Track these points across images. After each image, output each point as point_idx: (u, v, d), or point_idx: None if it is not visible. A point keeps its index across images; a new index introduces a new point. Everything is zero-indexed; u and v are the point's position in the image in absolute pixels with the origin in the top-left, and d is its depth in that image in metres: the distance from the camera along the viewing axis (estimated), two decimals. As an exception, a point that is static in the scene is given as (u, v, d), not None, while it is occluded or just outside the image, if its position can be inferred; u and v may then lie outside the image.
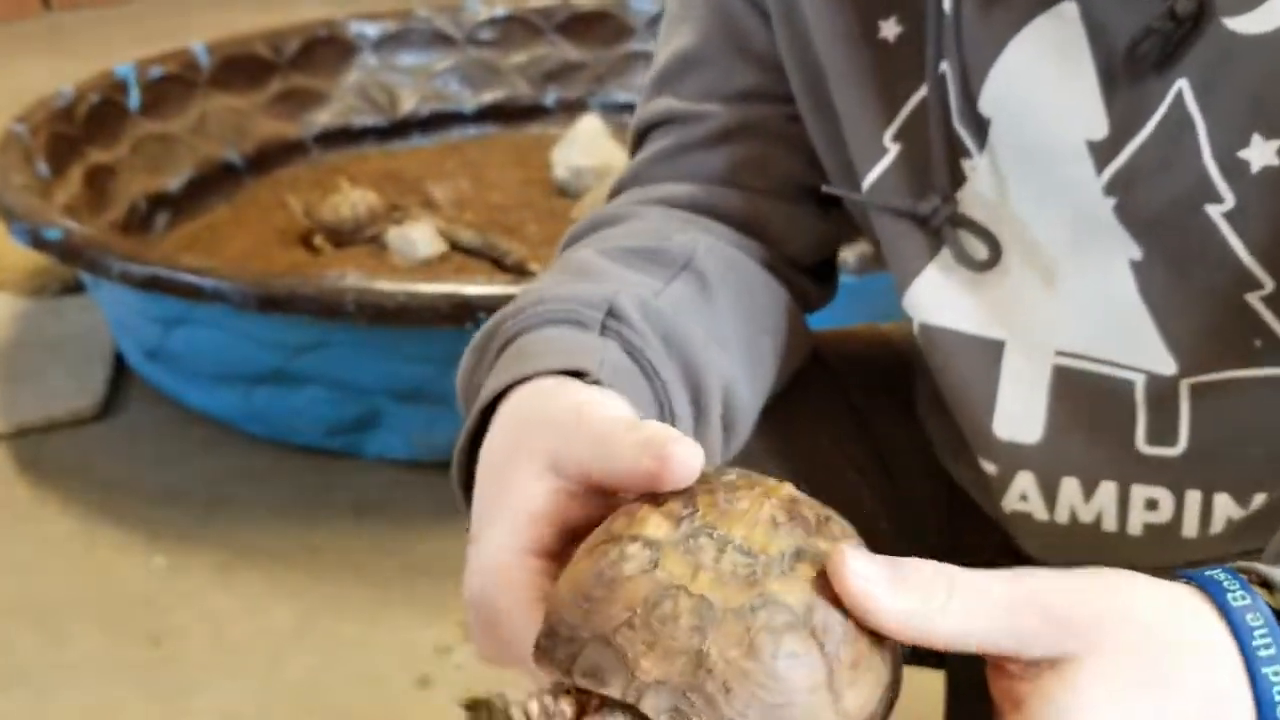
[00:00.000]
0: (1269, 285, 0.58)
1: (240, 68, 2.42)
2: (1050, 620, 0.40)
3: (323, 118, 2.52)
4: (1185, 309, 0.60)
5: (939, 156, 0.63)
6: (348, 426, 1.69)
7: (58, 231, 1.62)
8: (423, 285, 1.48)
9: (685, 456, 0.43)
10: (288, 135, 2.46)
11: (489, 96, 2.62)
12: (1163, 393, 0.61)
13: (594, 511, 0.46)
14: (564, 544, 0.47)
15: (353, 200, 2.18)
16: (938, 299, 0.66)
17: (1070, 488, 0.66)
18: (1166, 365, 0.61)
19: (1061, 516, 0.67)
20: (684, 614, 0.39)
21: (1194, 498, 0.63)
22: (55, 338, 1.97)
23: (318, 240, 2.16)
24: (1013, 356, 0.65)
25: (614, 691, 0.39)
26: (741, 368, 0.63)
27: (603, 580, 0.40)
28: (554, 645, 0.41)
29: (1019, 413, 0.65)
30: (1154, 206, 0.59)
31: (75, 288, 2.07)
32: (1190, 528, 0.64)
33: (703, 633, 0.38)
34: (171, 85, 2.29)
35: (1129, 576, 0.42)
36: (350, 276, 1.50)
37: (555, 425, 0.49)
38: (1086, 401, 0.64)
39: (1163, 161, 0.58)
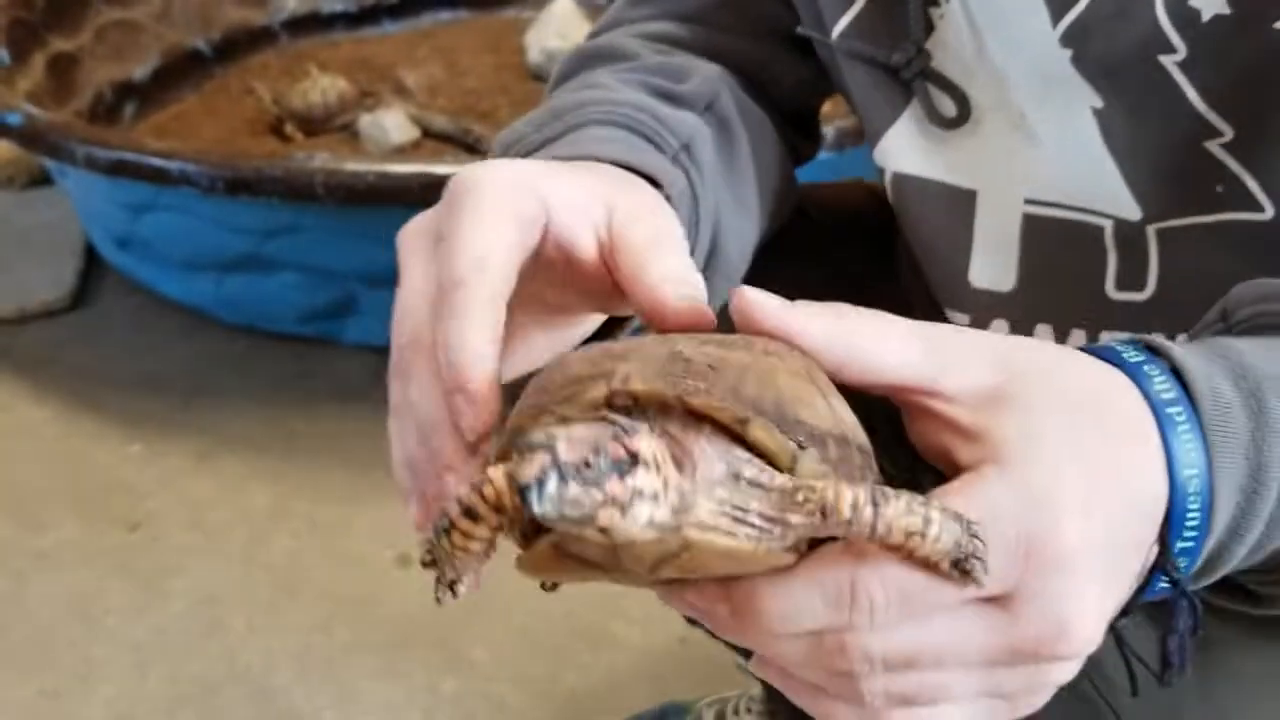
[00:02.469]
0: (1228, 133, 0.57)
1: (204, -48, 2.36)
2: (982, 357, 0.40)
3: (291, 3, 2.46)
4: (1147, 156, 0.60)
5: (915, 3, 0.62)
6: (323, 313, 1.68)
7: (19, 116, 1.59)
8: (392, 165, 1.45)
9: (699, 311, 0.42)
10: (255, 22, 2.41)
11: (460, -20, 2.57)
12: (1131, 237, 0.61)
13: (576, 281, 0.46)
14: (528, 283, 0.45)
15: (322, 87, 2.14)
16: (909, 150, 0.66)
17: (1043, 336, 0.66)
18: (1132, 211, 0.61)
19: None
20: (650, 342, 0.38)
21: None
22: (24, 229, 1.94)
23: (289, 129, 2.13)
24: (985, 206, 0.65)
25: (599, 390, 0.36)
26: (754, 231, 0.65)
27: (540, 375, 0.40)
28: (525, 418, 0.38)
29: (993, 261, 0.65)
30: (1109, 58, 0.58)
31: (43, 180, 2.04)
32: None
33: (672, 343, 0.37)
34: (134, -30, 2.24)
35: (1049, 343, 0.43)
36: (319, 157, 1.47)
37: (624, 194, 0.48)
38: (1058, 248, 0.63)
39: (1116, 11, 0.57)
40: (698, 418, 0.36)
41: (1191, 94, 0.57)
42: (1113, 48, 0.58)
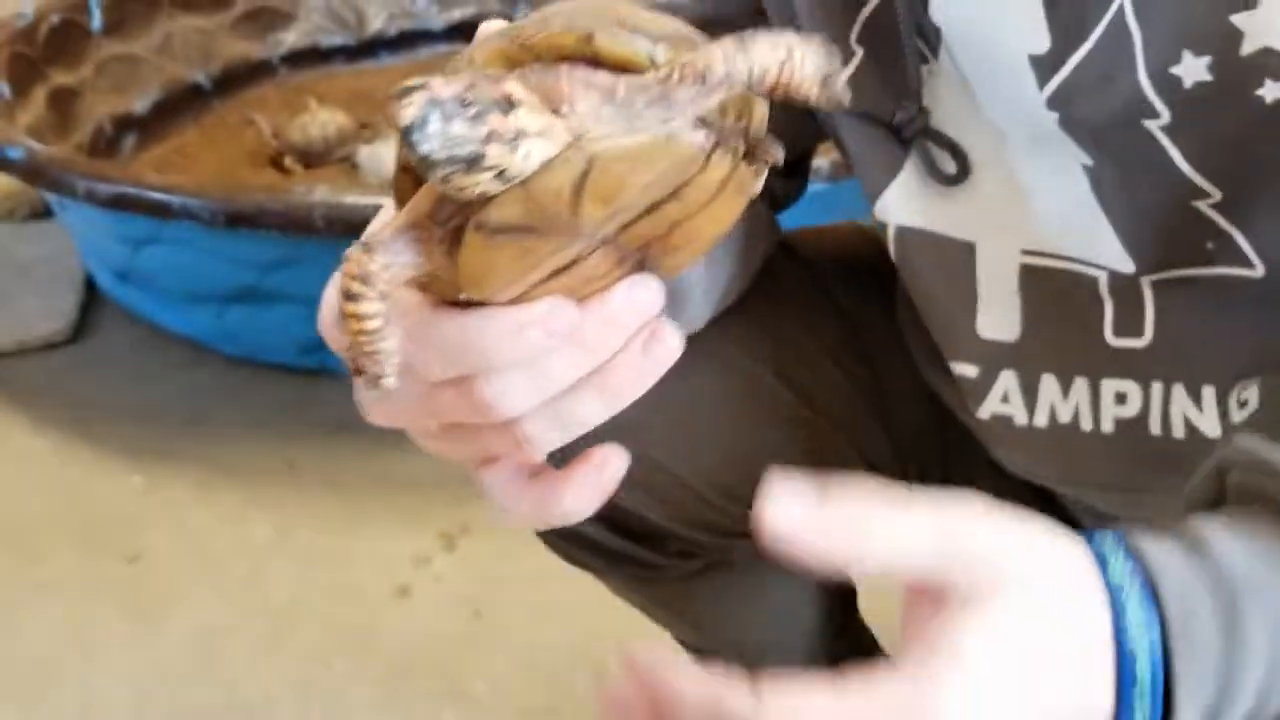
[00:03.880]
0: (1216, 194, 0.58)
1: (204, -14, 2.38)
2: (972, 558, 0.41)
3: (290, 37, 2.48)
4: (1138, 212, 0.60)
5: (912, 61, 0.63)
6: (322, 344, 1.67)
7: (20, 151, 1.60)
8: (390, 199, 1.46)
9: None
10: (255, 55, 2.43)
11: (458, 13, 2.59)
12: (1125, 288, 0.62)
13: None
14: None
15: (321, 120, 2.16)
16: (910, 205, 0.66)
17: (1049, 386, 0.67)
18: (1125, 264, 0.62)
19: (1040, 419, 0.67)
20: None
21: (1158, 390, 0.64)
22: (24, 262, 1.95)
23: (288, 161, 2.14)
24: (984, 258, 0.66)
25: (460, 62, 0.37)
26: (723, 277, 0.67)
27: None
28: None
29: (998, 311, 0.66)
30: (1096, 120, 0.59)
31: (43, 213, 2.05)
32: (1155, 424, 0.65)
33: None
34: (134, 5, 2.25)
35: (1043, 531, 0.43)
36: (319, 191, 1.48)
37: None
38: (1056, 298, 0.64)
39: (1101, 77, 0.58)
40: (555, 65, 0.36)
41: (1177, 156, 0.57)
42: (1098, 111, 0.58)
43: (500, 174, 0.34)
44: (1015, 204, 0.63)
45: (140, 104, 2.21)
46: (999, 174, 0.63)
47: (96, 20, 2.18)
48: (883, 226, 0.68)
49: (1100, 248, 0.61)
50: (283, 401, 1.67)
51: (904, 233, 0.67)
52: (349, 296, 0.38)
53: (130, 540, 1.44)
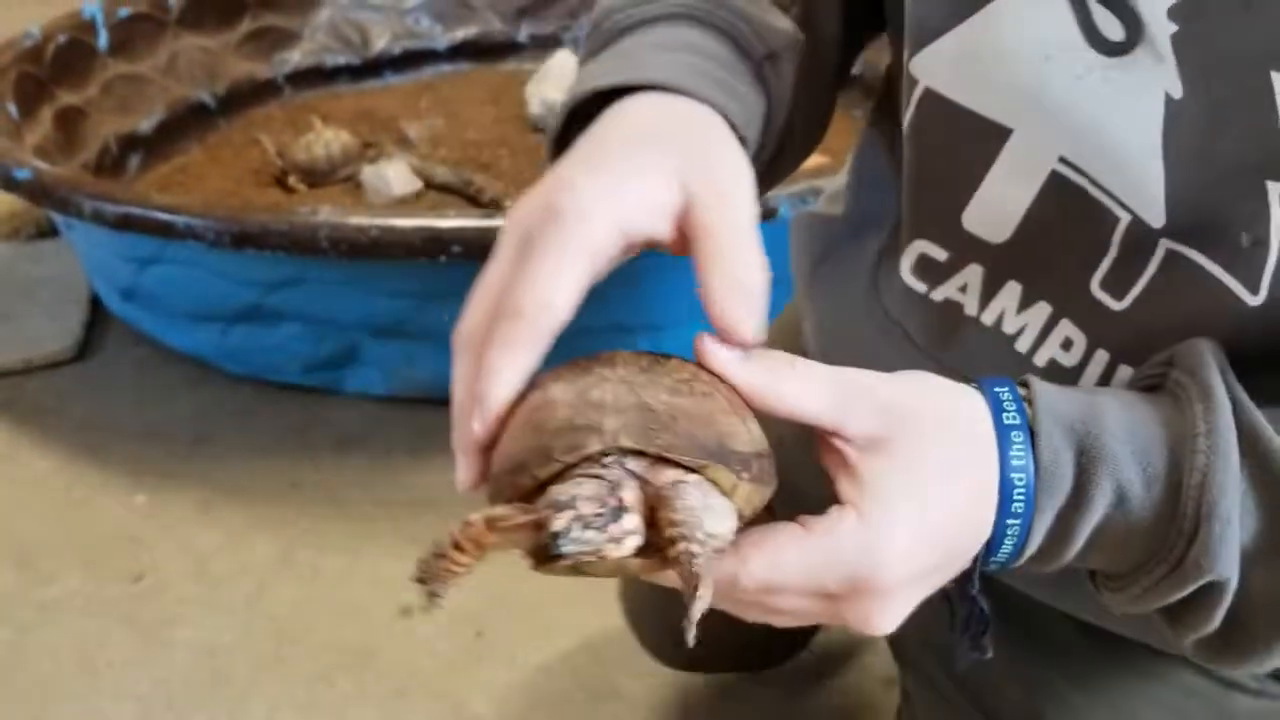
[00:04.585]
0: None
1: (210, 7, 2.40)
2: (874, 406, 0.50)
3: (294, 57, 2.50)
4: (1202, 165, 0.54)
5: None
6: (326, 363, 1.69)
7: (28, 172, 1.61)
8: (396, 219, 1.47)
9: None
10: (259, 75, 2.45)
11: (461, 33, 2.61)
12: (1138, 242, 0.58)
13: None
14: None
15: (326, 139, 2.17)
16: (950, 70, 0.62)
17: (1011, 292, 0.65)
18: (1156, 217, 0.57)
19: (988, 318, 0.66)
20: (615, 389, 0.49)
21: (1101, 358, 0.62)
22: (30, 281, 1.96)
23: (293, 180, 2.15)
24: (1014, 149, 0.61)
25: (594, 446, 0.47)
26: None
27: (532, 408, 0.50)
28: (531, 457, 0.49)
29: (996, 209, 0.63)
30: (1215, 50, 0.52)
31: (49, 232, 2.06)
32: (1086, 384, 0.63)
33: (637, 394, 0.49)
34: (140, 25, 2.27)
35: (940, 383, 0.53)
36: (323, 212, 1.49)
37: (697, 173, 0.53)
38: (1066, 218, 0.60)
39: (1241, 3, 0.51)
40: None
41: None
42: (1224, 41, 0.52)
43: (602, 559, 0.47)
44: (1076, 105, 0.57)
45: (146, 123, 2.22)
46: (1075, 67, 0.57)
47: (103, 40, 2.20)
48: (910, 84, 0.64)
49: (1140, 190, 0.56)
50: (286, 421, 1.67)
51: (932, 98, 0.63)
52: (458, 548, 0.49)
53: (135, 559, 1.44)
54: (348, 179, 2.17)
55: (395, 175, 2.11)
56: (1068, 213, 0.60)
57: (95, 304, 1.91)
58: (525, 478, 0.49)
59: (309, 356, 1.69)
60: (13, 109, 1.91)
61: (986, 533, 0.52)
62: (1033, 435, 0.52)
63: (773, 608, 0.51)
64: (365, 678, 1.28)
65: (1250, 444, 0.51)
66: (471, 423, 0.51)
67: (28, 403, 1.72)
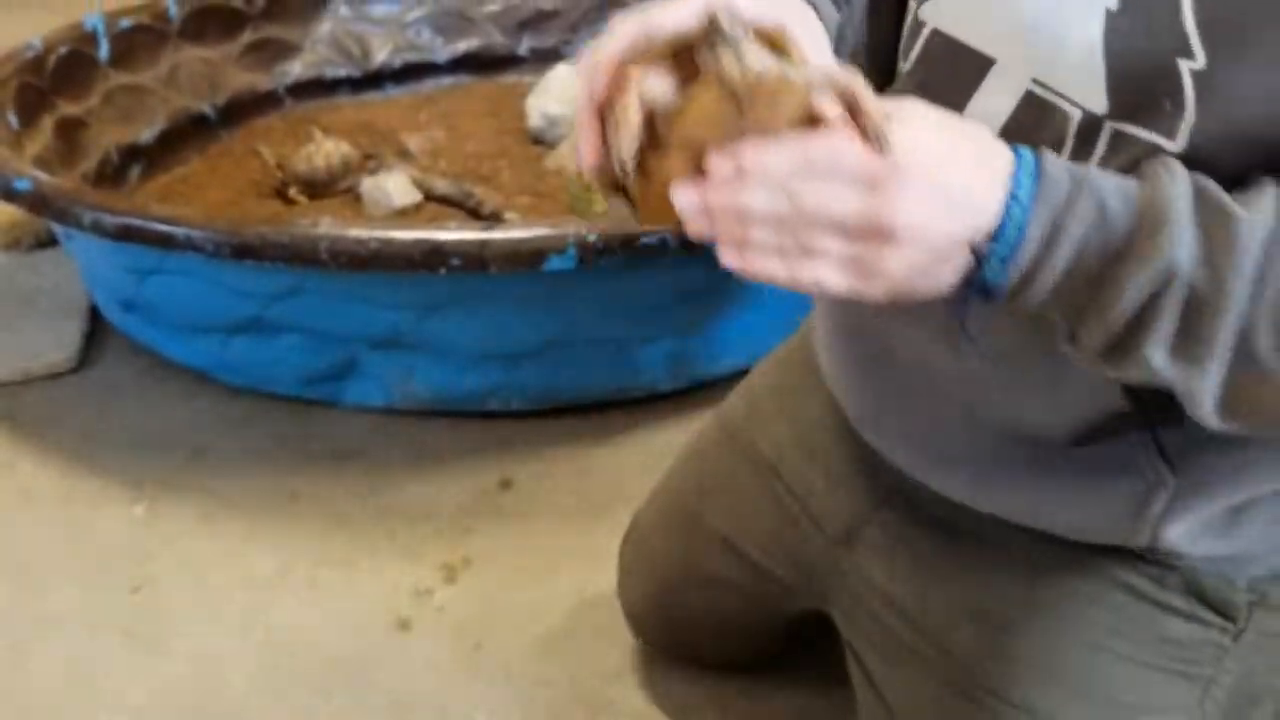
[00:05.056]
0: (1200, 60, 0.65)
1: (211, 18, 2.40)
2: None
3: (295, 68, 2.50)
4: (1132, 57, 0.68)
5: None
6: (325, 375, 1.69)
7: (28, 182, 1.61)
8: (395, 231, 1.47)
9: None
10: (260, 86, 2.45)
11: (462, 46, 2.61)
12: (1089, 132, 0.71)
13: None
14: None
15: (326, 151, 2.18)
16: (955, 11, 0.77)
17: None
18: (1100, 104, 0.70)
19: None
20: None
21: None
22: (29, 292, 1.96)
23: (293, 191, 2.15)
24: (996, 75, 0.75)
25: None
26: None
27: None
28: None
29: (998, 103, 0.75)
30: None
31: (49, 241, 2.06)
32: None
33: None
34: (141, 36, 2.27)
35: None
36: (323, 223, 1.49)
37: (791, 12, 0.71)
38: (1035, 125, 0.73)
39: None
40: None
41: (1188, 11, 0.66)
42: None
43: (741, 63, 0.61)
44: (1045, 28, 0.72)
45: (146, 134, 2.22)
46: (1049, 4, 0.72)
47: (104, 51, 2.20)
48: (917, 28, 0.80)
49: (1089, 85, 0.70)
50: (285, 432, 1.68)
51: (935, 39, 0.79)
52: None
53: (133, 571, 1.44)
54: (347, 190, 2.17)
55: (395, 187, 2.12)
56: (1035, 120, 0.73)
57: (94, 315, 1.91)
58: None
59: (308, 368, 1.69)
60: (14, 119, 1.91)
61: (997, 192, 0.64)
62: (1036, 159, 0.65)
63: (799, 199, 0.62)
64: (363, 690, 1.28)
65: (1199, 191, 0.65)
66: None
67: (27, 413, 1.72)
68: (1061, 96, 0.72)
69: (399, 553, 1.46)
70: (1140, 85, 0.68)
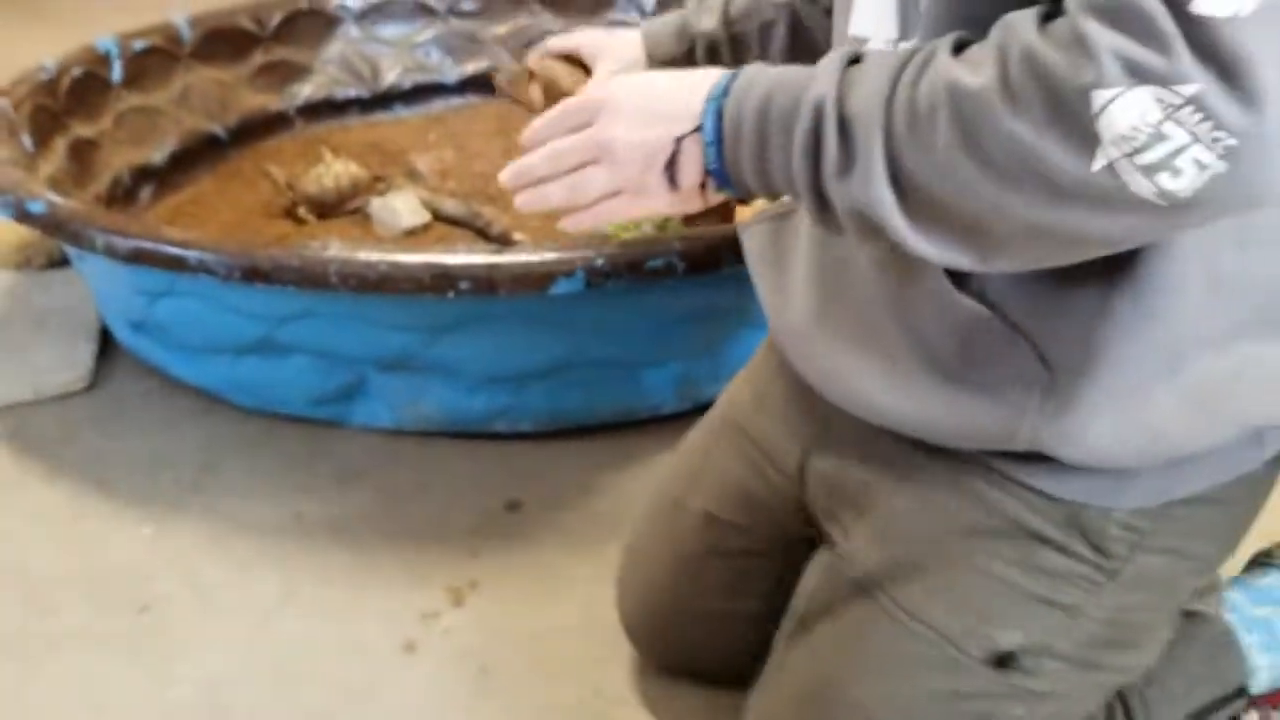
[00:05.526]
0: None
1: (223, 40, 2.42)
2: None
3: (305, 90, 2.52)
4: None
5: None
6: (333, 396, 1.70)
7: (41, 204, 1.62)
8: (405, 255, 1.48)
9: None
10: (271, 107, 2.47)
11: (471, 67, 2.63)
12: None
13: None
14: None
15: (335, 171, 2.19)
16: None
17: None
18: None
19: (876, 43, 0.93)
20: None
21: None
22: (41, 312, 1.98)
23: (302, 211, 2.17)
24: None
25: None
26: None
27: None
28: None
29: (871, 16, 0.90)
30: None
31: (60, 262, 2.08)
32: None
33: None
34: (154, 58, 2.29)
35: None
36: (333, 247, 1.50)
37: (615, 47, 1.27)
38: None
39: None
40: None
41: None
42: None
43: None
44: None
45: (158, 154, 2.24)
46: None
47: (117, 73, 2.22)
48: None
49: None
50: (293, 454, 1.68)
51: None
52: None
53: (140, 591, 1.45)
54: (356, 211, 2.19)
55: (404, 207, 2.13)
56: None
57: (105, 335, 1.92)
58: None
59: (317, 389, 1.70)
60: (28, 141, 1.93)
61: (695, 101, 0.85)
62: (742, 71, 0.86)
63: (558, 162, 0.90)
64: (368, 713, 1.28)
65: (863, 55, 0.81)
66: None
67: (36, 434, 1.73)
68: None
69: (406, 575, 1.47)
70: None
